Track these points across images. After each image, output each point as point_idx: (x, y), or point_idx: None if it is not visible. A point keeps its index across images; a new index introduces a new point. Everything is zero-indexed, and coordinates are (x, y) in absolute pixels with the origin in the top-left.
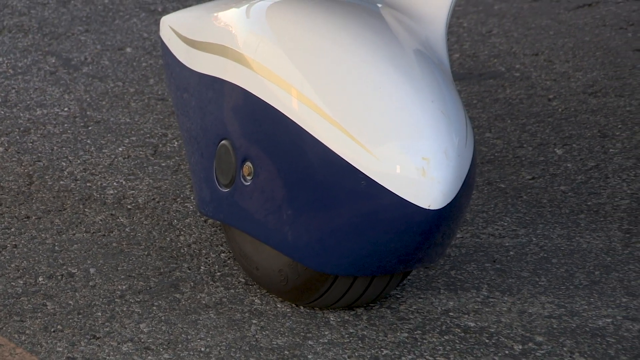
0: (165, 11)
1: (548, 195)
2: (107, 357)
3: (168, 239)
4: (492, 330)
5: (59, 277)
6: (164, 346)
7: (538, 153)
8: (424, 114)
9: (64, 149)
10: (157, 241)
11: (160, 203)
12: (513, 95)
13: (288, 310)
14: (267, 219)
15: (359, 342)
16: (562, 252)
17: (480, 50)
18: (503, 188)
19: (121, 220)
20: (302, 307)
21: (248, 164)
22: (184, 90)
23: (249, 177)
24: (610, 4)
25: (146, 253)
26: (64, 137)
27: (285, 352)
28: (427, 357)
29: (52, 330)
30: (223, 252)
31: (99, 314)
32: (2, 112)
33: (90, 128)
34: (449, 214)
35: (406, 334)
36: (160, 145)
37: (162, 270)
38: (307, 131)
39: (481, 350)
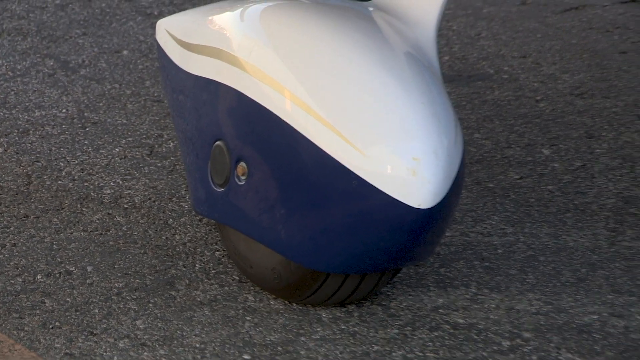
0: (161, 15)
1: (535, 194)
2: (104, 353)
3: (164, 237)
4: (481, 326)
5: (57, 275)
6: (160, 342)
7: (526, 153)
8: (415, 116)
9: (62, 149)
10: (153, 240)
11: (156, 202)
12: (501, 97)
13: (281, 307)
14: (261, 218)
15: (351, 338)
16: (549, 250)
17: (469, 53)
18: (491, 187)
19: (118, 219)
20: (294, 304)
21: (242, 164)
22: (180, 92)
23: (243, 177)
24: (597, 7)
25: (142, 251)
26: (62, 138)
27: (279, 348)
28: (417, 353)
29: (51, 326)
30: (217, 251)
31: (96, 311)
32: (2, 114)
33: (87, 129)
34: (438, 213)
35: (397, 330)
36: (156, 146)
37: (158, 268)
38: (300, 132)
39: (470, 346)
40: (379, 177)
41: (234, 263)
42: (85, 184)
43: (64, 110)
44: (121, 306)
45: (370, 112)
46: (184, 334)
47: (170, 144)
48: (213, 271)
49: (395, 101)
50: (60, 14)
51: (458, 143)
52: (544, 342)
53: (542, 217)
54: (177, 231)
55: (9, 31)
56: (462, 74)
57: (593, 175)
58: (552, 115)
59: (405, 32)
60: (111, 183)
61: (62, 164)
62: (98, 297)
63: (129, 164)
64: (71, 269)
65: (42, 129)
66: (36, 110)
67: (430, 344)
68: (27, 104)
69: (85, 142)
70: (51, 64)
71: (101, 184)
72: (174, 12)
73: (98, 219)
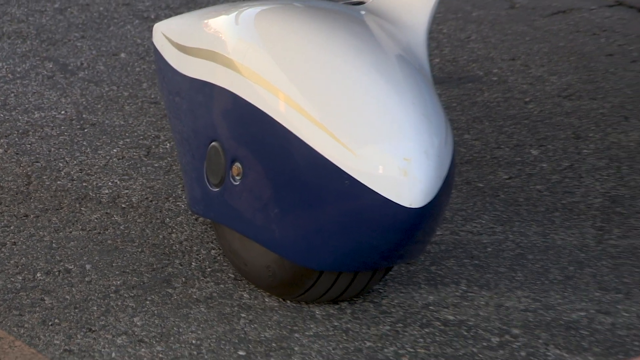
0: (158, 18)
1: (524, 194)
2: (103, 350)
3: (161, 236)
4: (471, 323)
5: (56, 273)
6: (157, 339)
7: (515, 154)
8: (406, 117)
9: (61, 150)
10: (150, 238)
11: (153, 202)
12: (491, 99)
13: (275, 304)
14: (256, 217)
15: (343, 334)
16: (537, 248)
17: (459, 55)
18: (481, 187)
19: (116, 218)
20: (288, 301)
21: (237, 164)
22: (176, 94)
23: (238, 177)
24: (584, 11)
25: (140, 250)
26: (61, 139)
27: (273, 344)
28: (408, 349)
29: (50, 323)
30: (213, 249)
31: (95, 308)
32: (2, 115)
33: (86, 130)
34: (429, 212)
35: (388, 327)
36: (153, 147)
37: (155, 266)
38: (293, 133)
39: (460, 342)
40: (370, 177)
41: (229, 261)
42: (84, 184)
43: (62, 112)
44: (119, 303)
45: (362, 114)
46: (181, 330)
47: (167, 145)
48: (209, 269)
49: (386, 103)
50: (59, 17)
51: (448, 144)
52: (532, 339)
53: (531, 216)
54: (174, 230)
55: (8, 34)
56: (453, 76)
57: (580, 175)
58: (540, 117)
59: (397, 35)
60: (109, 183)
61: (61, 165)
62: (96, 294)
63: (126, 164)
64: (70, 267)
65: (41, 130)
66: (36, 112)
67: (421, 340)
68: (26, 105)
69: (84, 143)
70: (50, 66)
71: (99, 184)
72: (170, 16)
73: (96, 218)
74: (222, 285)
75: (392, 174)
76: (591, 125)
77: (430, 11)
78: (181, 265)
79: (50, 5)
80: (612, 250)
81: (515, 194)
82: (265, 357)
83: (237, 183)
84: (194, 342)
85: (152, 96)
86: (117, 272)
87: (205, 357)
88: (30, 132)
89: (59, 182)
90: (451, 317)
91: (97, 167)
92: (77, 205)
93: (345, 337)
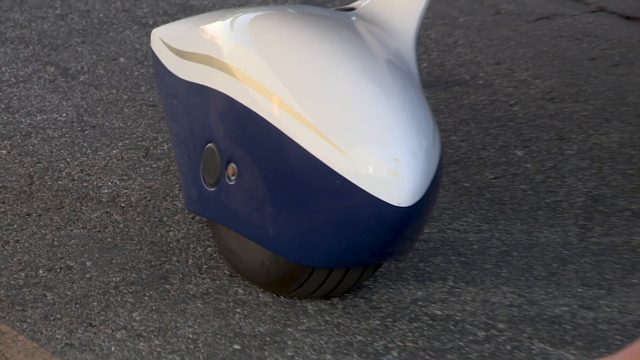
0: (156, 24)
1: (509, 193)
2: (103, 344)
3: (159, 234)
4: (458, 318)
5: (58, 270)
6: (155, 333)
7: (500, 154)
8: (395, 120)
9: (62, 151)
10: (149, 236)
11: (152, 201)
12: (477, 101)
13: (269, 299)
14: (250, 216)
15: (335, 329)
16: (522, 245)
17: (446, 60)
18: (467, 187)
19: (115, 217)
20: (282, 297)
21: (232, 165)
22: (173, 97)
23: (233, 178)
24: (567, 16)
25: (138, 247)
26: (62, 141)
27: (267, 338)
28: (397, 343)
29: (52, 319)
30: (209, 247)
31: (95, 303)
32: (5, 118)
33: (86, 132)
34: (417, 211)
35: (378, 322)
36: (151, 148)
37: (153, 263)
38: (286, 135)
39: (447, 336)
40: (361, 177)
41: (224, 258)
42: (85, 184)
43: (64, 115)
44: (118, 299)
45: (354, 117)
46: (178, 325)
47: (164, 146)
48: (205, 266)
49: (377, 106)
50: (60, 23)
51: (436, 145)
52: (517, 333)
53: (516, 215)
54: (171, 228)
55: (11, 40)
56: (440, 79)
57: (563, 175)
58: (524, 119)
59: (386, 41)
60: (109, 183)
61: (62, 165)
62: (97, 290)
63: (125, 165)
64: (71, 264)
65: (43, 132)
66: (38, 115)
67: (410, 334)
68: (29, 108)
69: (84, 145)
70: (52, 70)
71: (99, 184)
72: (167, 22)
73: (96, 217)
74: (217, 282)
75: (382, 174)
76: (574, 127)
77: (418, 17)
78: (178, 262)
79: (51, 11)
80: (594, 248)
81: (501, 194)
82: (259, 351)
83: (233, 183)
84: (190, 336)
85: (151, 99)
86: (116, 269)
87: (202, 350)
88: (33, 134)
89: (60, 182)
90: (439, 312)
91: (97, 167)
92: (78, 204)
93: (336, 332)
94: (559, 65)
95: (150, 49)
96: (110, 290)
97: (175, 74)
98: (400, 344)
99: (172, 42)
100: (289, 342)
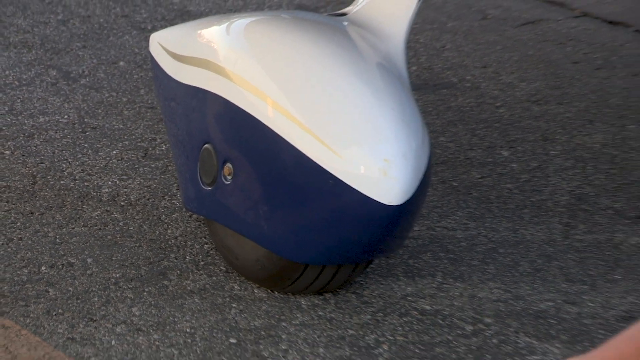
0: (154, 29)
1: (495, 192)
2: (103, 338)
3: (157, 232)
4: (446, 312)
5: (60, 267)
6: (154, 327)
7: (486, 155)
8: (386, 121)
9: (64, 152)
10: (147, 234)
11: (150, 200)
12: (464, 104)
13: (264, 295)
14: (246, 214)
15: (327, 323)
16: (508, 243)
17: (435, 64)
18: (455, 186)
19: (115, 215)
20: (276, 293)
21: (228, 165)
22: (171, 99)
23: (229, 177)
24: (551, 21)
25: (137, 245)
26: (64, 142)
27: (262, 332)
28: (387, 336)
29: (54, 313)
30: (206, 244)
31: (96, 299)
32: (9, 120)
33: (87, 133)
34: (407, 210)
35: (369, 316)
36: (150, 149)
37: (152, 260)
38: (281, 136)
39: (436, 330)
40: (353, 177)
41: (221, 255)
42: (86, 184)
43: (65, 117)
44: (118, 295)
45: (346, 118)
46: (176, 320)
47: (163, 147)
48: (202, 262)
49: (368, 108)
50: (62, 28)
51: (425, 146)
52: (503, 327)
53: (502, 213)
54: (169, 226)
55: (15, 44)
56: (429, 82)
57: (548, 174)
58: (510, 120)
59: (377, 45)
60: (109, 182)
61: (64, 165)
62: (97, 286)
63: (125, 165)
64: (73, 261)
65: (45, 133)
66: (40, 117)
67: (400, 328)
68: (32, 110)
69: (85, 146)
70: (54, 74)
71: (100, 184)
72: (166, 27)
73: (97, 216)
74: (214, 278)
75: (373, 174)
76: (558, 128)
77: (408, 22)
78: (176, 259)
79: (53, 17)
80: (578, 245)
81: (487, 192)
82: (254, 345)
83: (229, 182)
84: (188, 330)
85: (149, 102)
86: (116, 266)
87: (199, 344)
88: (36, 135)
89: (62, 182)
90: (428, 307)
91: (97, 167)
92: (79, 203)
93: (329, 326)
94: (543, 68)
95: (149, 53)
96: (111, 286)
97: (173, 77)
98: (391, 337)
99: (170, 47)
100: (283, 336)
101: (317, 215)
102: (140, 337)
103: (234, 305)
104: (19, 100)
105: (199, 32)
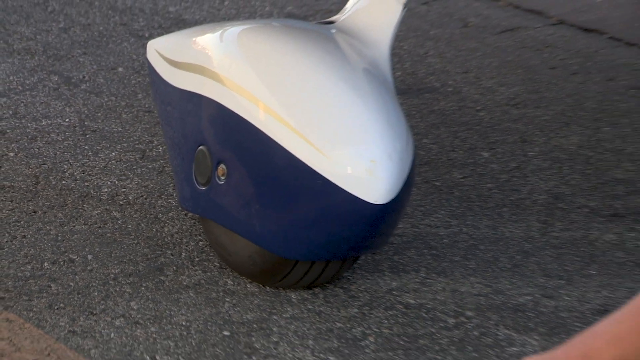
0: (152, 37)
1: (476, 191)
2: (103, 331)
3: (154, 229)
4: (429, 306)
5: (62, 263)
6: (151, 321)
7: (468, 156)
8: (372, 124)
9: (65, 153)
10: (145, 232)
11: (148, 199)
12: (446, 107)
13: (256, 289)
14: (239, 213)
15: (317, 316)
16: (488, 240)
17: (418, 69)
18: (438, 186)
19: (114, 214)
20: (268, 287)
21: (222, 166)
22: (168, 103)
23: (223, 177)
24: (530, 29)
25: (136, 242)
26: (65, 144)
27: (254, 325)
28: (374, 329)
29: (56, 308)
30: (201, 241)
31: (96, 293)
32: (13, 123)
33: (87, 136)
34: (392, 208)
35: (356, 310)
36: (148, 151)
37: (149, 256)
38: (272, 138)
39: (420, 323)
40: (340, 177)
41: (215, 252)
42: (86, 184)
43: (67, 120)
44: (117, 289)
45: (334, 121)
46: (172, 313)
47: (159, 149)
48: (197, 259)
49: (355, 111)
50: (64, 35)
51: (409, 147)
52: (484, 320)
53: (482, 211)
54: (166, 224)
55: (19, 51)
56: (413, 87)
57: (526, 175)
58: (490, 123)
59: (364, 52)
60: (108, 183)
61: (65, 167)
62: (97, 281)
63: (123, 166)
64: (74, 257)
65: (48, 136)
66: (43, 120)
67: (385, 321)
68: (35, 114)
69: (86, 147)
70: (56, 79)
71: (100, 184)
72: (162, 34)
73: (97, 214)
74: (208, 273)
75: (359, 174)
76: (536, 130)
77: (392, 30)
78: (172, 256)
79: (55, 25)
80: (555, 242)
81: (469, 192)
82: (247, 337)
83: (222, 183)
84: (184, 323)
85: (147, 105)
86: (115, 262)
87: (194, 337)
88: (38, 138)
89: (63, 182)
90: (412, 301)
91: (97, 168)
92: (80, 202)
93: (318, 319)
94: (522, 73)
95: (146, 59)
96: (110, 282)
97: (170, 82)
98: (377, 330)
99: (166, 53)
100: (274, 329)
101: (306, 214)
102: (138, 330)
103: (227, 299)
104: (22, 104)
105: (193, 39)
